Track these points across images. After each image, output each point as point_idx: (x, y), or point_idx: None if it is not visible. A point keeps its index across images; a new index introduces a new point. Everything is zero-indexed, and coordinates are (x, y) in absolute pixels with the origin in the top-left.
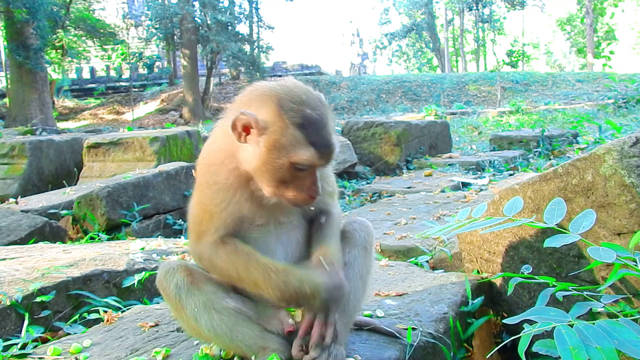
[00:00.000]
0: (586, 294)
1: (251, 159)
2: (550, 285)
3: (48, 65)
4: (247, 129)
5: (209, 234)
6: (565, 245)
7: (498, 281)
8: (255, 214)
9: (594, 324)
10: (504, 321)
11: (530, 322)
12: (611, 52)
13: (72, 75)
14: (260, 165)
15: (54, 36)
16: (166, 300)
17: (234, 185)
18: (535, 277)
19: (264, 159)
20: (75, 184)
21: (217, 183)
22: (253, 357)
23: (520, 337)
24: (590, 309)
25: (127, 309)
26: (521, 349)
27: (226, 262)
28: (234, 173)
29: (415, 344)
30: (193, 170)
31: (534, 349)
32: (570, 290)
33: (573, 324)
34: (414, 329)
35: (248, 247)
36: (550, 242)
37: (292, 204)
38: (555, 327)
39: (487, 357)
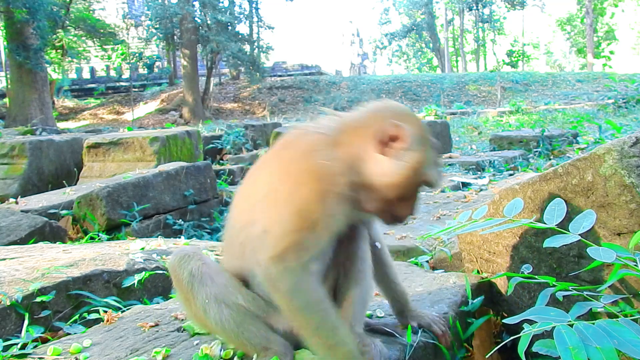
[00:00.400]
0: (586, 294)
1: (387, 171)
2: (551, 285)
3: (48, 65)
4: (387, 142)
5: (300, 253)
6: (565, 245)
7: (498, 281)
8: (344, 228)
9: (593, 323)
10: (504, 321)
11: (530, 322)
12: (611, 52)
13: (72, 75)
14: (395, 180)
15: (54, 36)
16: (177, 288)
17: (347, 197)
18: (536, 276)
19: (403, 174)
20: (75, 184)
21: (331, 194)
22: (255, 356)
23: (520, 337)
24: (590, 309)
25: (127, 309)
26: (521, 349)
27: (303, 304)
28: (351, 184)
29: (415, 344)
30: (283, 176)
31: (534, 348)
32: (571, 290)
33: (573, 324)
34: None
35: (325, 297)
36: (550, 243)
37: (392, 220)
38: (555, 327)
39: (487, 356)
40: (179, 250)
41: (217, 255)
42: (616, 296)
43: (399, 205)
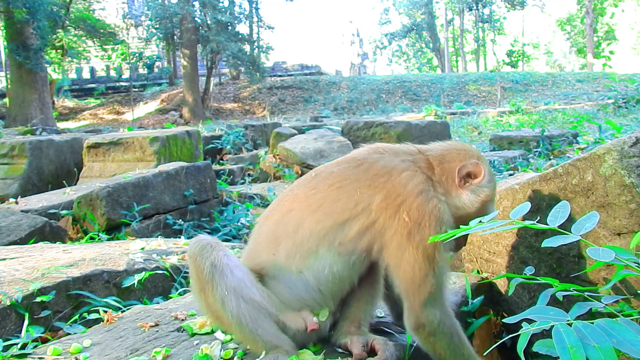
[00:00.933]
0: (587, 295)
1: (469, 204)
2: (553, 287)
3: (48, 65)
4: (467, 178)
5: (440, 297)
6: (565, 245)
7: (498, 281)
8: None
9: (592, 323)
10: (504, 321)
11: (530, 322)
12: (611, 52)
13: (72, 75)
14: (473, 213)
15: (54, 36)
16: (195, 277)
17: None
18: (537, 278)
19: (478, 208)
20: (75, 184)
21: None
22: (263, 353)
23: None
24: (590, 309)
25: (127, 309)
26: (520, 348)
27: (449, 343)
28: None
29: (414, 344)
30: (390, 209)
31: (534, 348)
32: (571, 291)
33: (572, 323)
34: None
35: (462, 331)
36: (549, 243)
37: (455, 248)
38: (553, 326)
39: (485, 354)
40: (200, 239)
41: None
42: (617, 297)
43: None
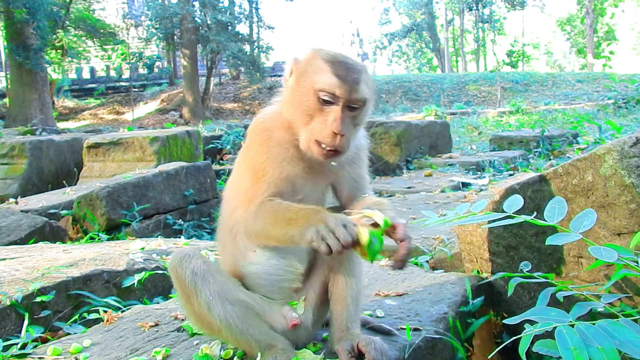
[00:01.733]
0: (586, 294)
1: (286, 97)
2: (551, 282)
3: (48, 66)
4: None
5: (259, 195)
6: (565, 245)
7: (498, 281)
8: (298, 180)
9: (594, 324)
10: (504, 321)
11: (531, 322)
12: (611, 53)
13: (72, 75)
14: (290, 99)
15: (54, 36)
16: (178, 288)
17: (284, 143)
18: (535, 275)
19: (293, 89)
20: (75, 184)
21: (270, 143)
22: (259, 355)
23: (520, 337)
24: (591, 309)
25: (127, 309)
26: (522, 350)
27: (269, 212)
28: (285, 133)
29: (414, 343)
30: (242, 143)
31: (535, 349)
32: (571, 290)
33: (574, 324)
34: (415, 329)
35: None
36: (552, 240)
37: (319, 147)
38: (556, 327)
39: (489, 357)
40: (179, 251)
41: (216, 255)
42: (616, 296)
43: (317, 128)
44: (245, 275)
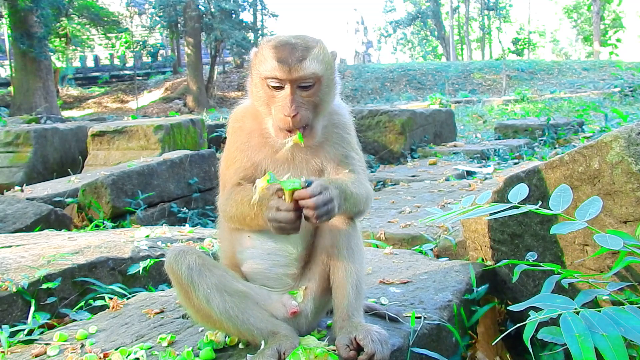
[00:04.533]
0: (591, 282)
1: (250, 90)
2: (556, 272)
3: (52, 54)
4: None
5: (228, 181)
6: (570, 233)
7: (502, 269)
8: (270, 166)
9: (599, 311)
10: (509, 308)
11: (535, 310)
12: (618, 40)
13: (76, 63)
14: (251, 91)
15: (58, 24)
16: (176, 284)
17: (253, 132)
18: (541, 264)
19: (251, 82)
20: (80, 172)
21: (239, 132)
22: (263, 342)
23: (524, 324)
24: (596, 296)
25: (132, 296)
26: (526, 336)
27: (238, 196)
28: (254, 122)
29: (419, 330)
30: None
31: (539, 336)
32: (576, 278)
33: (579, 311)
34: (417, 317)
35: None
36: (557, 229)
37: (279, 130)
38: (561, 314)
39: (493, 344)
40: (173, 248)
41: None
42: (622, 283)
43: (275, 114)
44: (243, 262)
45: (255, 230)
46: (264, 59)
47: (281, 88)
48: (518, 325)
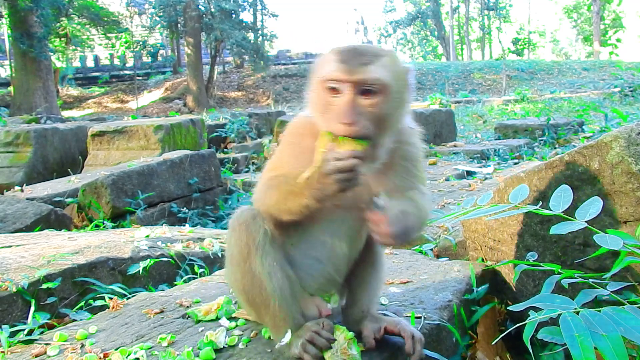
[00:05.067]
0: (592, 282)
1: (309, 100)
2: (556, 273)
3: (52, 54)
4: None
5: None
6: (570, 233)
7: (502, 269)
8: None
9: (599, 311)
10: (509, 308)
11: (535, 310)
12: (618, 40)
13: (76, 63)
14: (311, 100)
15: (58, 24)
16: (241, 242)
17: (306, 150)
18: (541, 264)
19: (311, 90)
20: (80, 172)
21: (297, 148)
22: (289, 331)
23: (524, 324)
24: (596, 296)
25: (132, 296)
26: (526, 336)
27: (281, 179)
28: (314, 140)
29: (419, 329)
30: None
31: (539, 336)
32: (576, 278)
33: (579, 311)
34: (417, 317)
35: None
36: (557, 230)
37: (336, 120)
38: (561, 314)
39: (493, 344)
40: (248, 208)
41: (221, 243)
42: (622, 283)
43: (330, 119)
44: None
45: (294, 215)
46: (326, 62)
47: (340, 93)
48: (518, 325)
